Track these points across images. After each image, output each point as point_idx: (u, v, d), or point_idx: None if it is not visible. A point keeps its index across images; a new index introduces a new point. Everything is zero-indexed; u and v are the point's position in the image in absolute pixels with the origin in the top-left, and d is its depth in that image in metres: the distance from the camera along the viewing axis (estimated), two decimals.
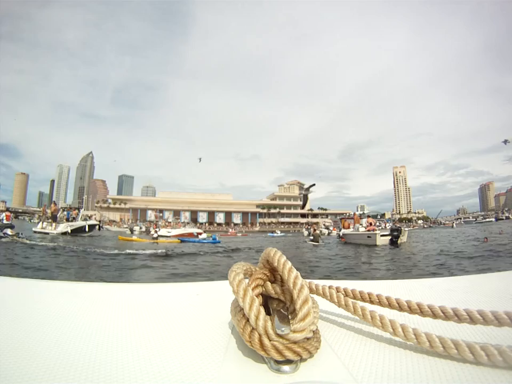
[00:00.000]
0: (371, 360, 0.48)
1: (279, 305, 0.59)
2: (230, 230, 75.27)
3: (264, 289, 0.59)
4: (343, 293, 0.65)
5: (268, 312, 0.54)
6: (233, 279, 0.54)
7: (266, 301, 0.60)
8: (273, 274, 0.61)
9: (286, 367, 0.47)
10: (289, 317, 0.55)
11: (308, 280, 0.69)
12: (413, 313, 0.57)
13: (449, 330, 0.57)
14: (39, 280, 1.13)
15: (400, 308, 0.59)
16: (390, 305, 0.60)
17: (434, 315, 0.54)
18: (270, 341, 0.47)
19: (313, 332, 0.52)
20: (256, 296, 0.55)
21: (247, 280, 0.57)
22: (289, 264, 0.54)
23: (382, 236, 20.81)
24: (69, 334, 0.59)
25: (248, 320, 0.50)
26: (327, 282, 0.71)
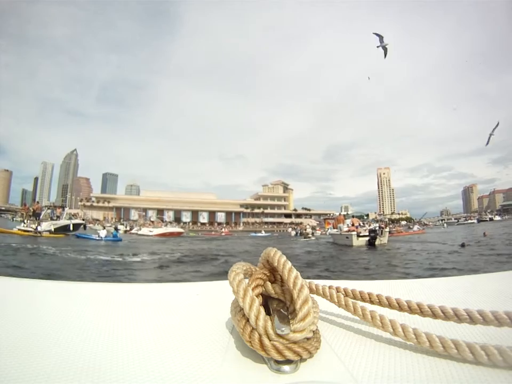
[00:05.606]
0: (371, 360, 0.48)
1: (279, 305, 0.59)
2: (223, 229, 74.17)
3: (264, 289, 0.59)
4: (343, 293, 0.65)
5: (268, 312, 0.54)
6: (233, 279, 0.54)
7: (266, 301, 0.60)
8: (273, 274, 0.61)
9: (286, 367, 0.46)
10: (289, 317, 0.54)
11: (308, 280, 0.69)
12: (413, 313, 0.58)
13: (449, 330, 0.57)
14: (39, 280, 1.13)
15: (400, 308, 0.59)
16: (390, 305, 0.61)
17: (434, 315, 0.54)
18: (270, 341, 0.47)
19: (313, 332, 0.51)
20: (256, 296, 0.54)
21: (247, 280, 0.57)
22: (289, 264, 0.54)
23: (359, 237, 20.96)
24: (69, 334, 0.58)
25: (248, 320, 0.50)
26: (327, 282, 0.71)
